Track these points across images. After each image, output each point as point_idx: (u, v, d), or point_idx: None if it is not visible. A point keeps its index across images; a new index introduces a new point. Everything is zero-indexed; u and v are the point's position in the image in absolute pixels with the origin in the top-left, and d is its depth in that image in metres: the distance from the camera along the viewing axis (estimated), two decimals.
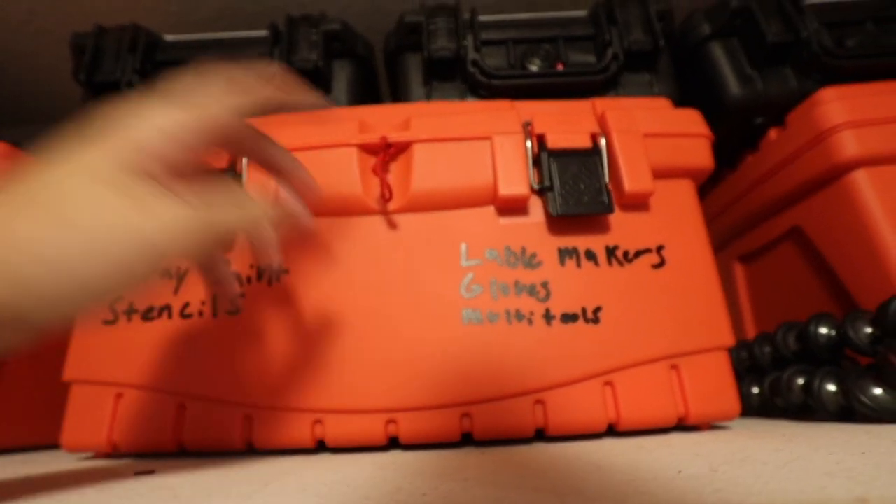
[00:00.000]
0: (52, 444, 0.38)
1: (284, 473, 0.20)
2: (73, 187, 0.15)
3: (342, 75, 0.38)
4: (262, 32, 0.38)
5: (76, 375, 0.28)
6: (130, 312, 0.29)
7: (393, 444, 0.26)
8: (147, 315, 0.29)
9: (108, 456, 0.28)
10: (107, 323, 0.29)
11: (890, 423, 0.24)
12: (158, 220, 0.16)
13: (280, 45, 0.36)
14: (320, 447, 0.26)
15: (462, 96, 0.36)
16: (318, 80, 0.36)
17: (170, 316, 0.28)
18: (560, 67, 0.36)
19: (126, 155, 0.16)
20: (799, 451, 0.18)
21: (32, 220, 0.15)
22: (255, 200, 0.19)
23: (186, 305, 0.28)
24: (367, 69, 0.40)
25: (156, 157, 0.16)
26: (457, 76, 0.36)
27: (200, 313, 0.28)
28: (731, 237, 0.45)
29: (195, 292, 0.28)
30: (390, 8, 0.51)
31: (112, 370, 0.28)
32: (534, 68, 0.36)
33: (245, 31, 0.50)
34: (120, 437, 0.27)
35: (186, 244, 0.16)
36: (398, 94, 0.38)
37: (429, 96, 0.36)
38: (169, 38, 0.39)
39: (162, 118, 0.17)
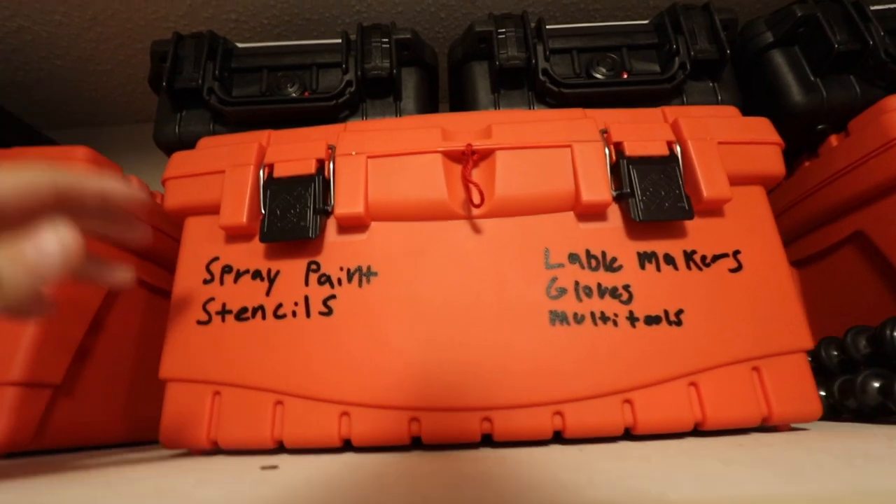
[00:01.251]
0: (128, 441, 0.40)
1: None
2: None
3: (410, 82, 0.39)
4: (335, 40, 0.39)
5: (172, 374, 0.30)
6: (224, 313, 0.30)
7: (485, 440, 0.27)
8: (241, 316, 0.30)
9: (203, 453, 0.29)
10: (201, 323, 0.30)
11: None
12: None
13: (352, 52, 0.38)
14: (415, 444, 0.27)
15: (529, 104, 0.37)
16: (391, 87, 0.38)
17: (264, 317, 0.29)
18: (625, 76, 0.37)
19: None
20: None
21: None
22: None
23: (280, 306, 0.30)
24: (432, 76, 0.41)
25: None
26: (525, 84, 0.37)
27: (294, 314, 0.29)
28: (785, 242, 0.45)
29: (288, 293, 0.30)
30: (442, 14, 0.52)
31: (209, 369, 0.29)
32: (599, 77, 0.37)
33: (308, 38, 0.51)
34: (218, 434, 0.28)
35: None
36: (464, 101, 0.39)
37: (497, 104, 0.37)
38: (242, 45, 0.40)
39: None
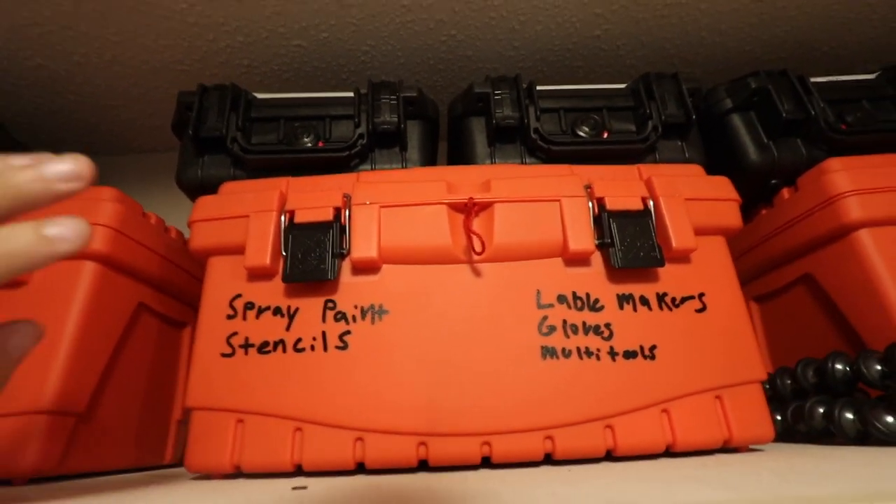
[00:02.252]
0: (139, 467, 0.42)
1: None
2: None
3: (414, 134, 0.43)
4: (347, 93, 0.43)
5: (198, 403, 0.32)
6: (247, 346, 0.33)
7: (484, 462, 0.30)
8: (263, 349, 0.33)
9: (226, 476, 0.32)
10: (225, 356, 0.33)
11: None
12: None
13: (363, 106, 0.42)
14: (421, 466, 0.30)
15: (522, 157, 0.42)
16: (397, 139, 0.42)
17: (284, 350, 0.33)
18: (606, 135, 0.42)
19: None
20: (839, 466, 0.23)
21: None
22: None
23: (299, 340, 0.33)
24: (434, 128, 0.45)
25: None
26: (517, 139, 0.42)
27: (312, 347, 0.32)
28: (747, 280, 0.50)
29: (306, 329, 0.33)
30: (440, 66, 0.57)
31: (232, 398, 0.32)
32: (583, 135, 0.42)
33: (315, 84, 0.56)
34: (241, 459, 0.31)
35: None
36: (463, 153, 0.44)
37: (492, 157, 0.42)
38: (260, 96, 0.44)
39: None
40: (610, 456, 0.31)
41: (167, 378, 0.47)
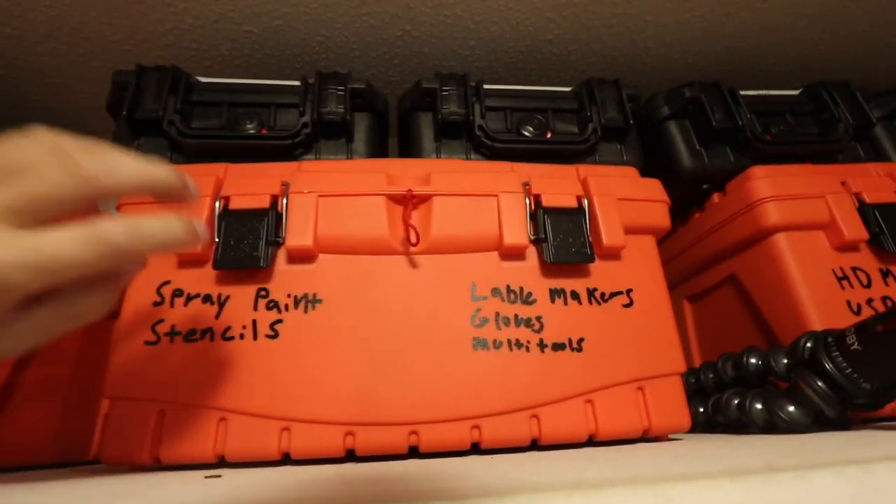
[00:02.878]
0: (58, 463, 0.40)
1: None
2: None
3: (362, 126, 0.43)
4: (294, 82, 0.42)
5: (118, 392, 0.31)
6: (173, 334, 0.32)
7: (412, 452, 0.30)
8: (189, 337, 0.32)
9: (143, 469, 0.31)
10: (149, 343, 0.32)
11: (801, 433, 0.31)
12: None
13: (310, 95, 0.41)
14: (349, 456, 0.30)
15: (467, 153, 0.42)
16: (343, 130, 0.42)
17: (212, 339, 0.32)
18: (549, 135, 0.43)
19: None
20: (735, 448, 0.24)
21: None
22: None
23: (228, 329, 0.32)
24: (382, 121, 0.45)
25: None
26: (463, 136, 0.43)
27: (241, 336, 0.32)
28: (681, 280, 0.53)
29: (237, 317, 0.32)
30: (395, 61, 0.57)
31: (155, 387, 0.31)
32: (527, 134, 0.43)
33: (266, 73, 0.55)
34: (160, 450, 0.30)
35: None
36: (410, 147, 0.44)
37: (438, 151, 0.42)
38: (203, 80, 0.43)
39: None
40: (535, 445, 0.31)
41: (94, 371, 0.45)
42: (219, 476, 0.24)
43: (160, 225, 0.20)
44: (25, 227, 0.18)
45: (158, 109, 0.39)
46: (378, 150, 0.44)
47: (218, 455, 0.30)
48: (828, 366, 0.29)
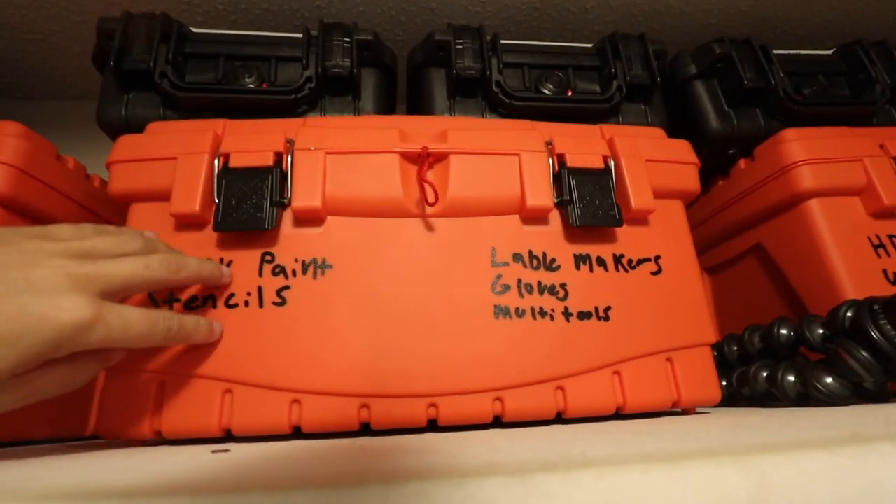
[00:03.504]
0: (55, 438, 0.38)
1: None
2: None
3: (369, 83, 0.40)
4: (296, 34, 0.39)
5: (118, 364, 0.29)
6: (171, 301, 0.30)
7: (430, 426, 0.29)
8: (190, 305, 0.30)
9: (144, 443, 0.29)
10: None
11: (840, 406, 0.29)
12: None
13: (313, 48, 0.38)
14: (364, 430, 0.28)
15: (482, 112, 0.40)
16: (350, 85, 0.39)
17: (214, 306, 0.30)
18: (569, 94, 0.40)
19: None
20: (784, 420, 0.23)
21: None
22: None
23: (231, 296, 0.30)
24: (391, 78, 0.42)
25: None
26: (479, 93, 0.40)
27: (246, 304, 0.30)
28: (700, 251, 0.51)
29: (240, 283, 0.30)
30: (402, 17, 0.54)
31: (153, 358, 0.29)
32: (547, 92, 0.40)
33: (264, 29, 0.51)
34: (162, 424, 0.28)
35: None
36: (421, 105, 0.41)
37: (452, 110, 0.39)
38: (198, 31, 0.40)
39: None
40: (560, 418, 0.30)
41: None
42: (227, 451, 0.22)
43: (203, 325, 0.27)
44: (107, 300, 0.22)
45: (149, 60, 0.36)
46: (387, 108, 0.41)
47: (224, 428, 0.28)
48: (874, 334, 0.27)
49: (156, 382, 0.28)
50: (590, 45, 0.43)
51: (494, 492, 0.10)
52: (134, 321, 0.22)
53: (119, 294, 0.23)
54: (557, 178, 0.33)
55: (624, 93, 0.40)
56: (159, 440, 0.29)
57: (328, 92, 0.39)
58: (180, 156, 0.31)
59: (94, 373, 0.24)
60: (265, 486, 0.13)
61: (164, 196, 0.31)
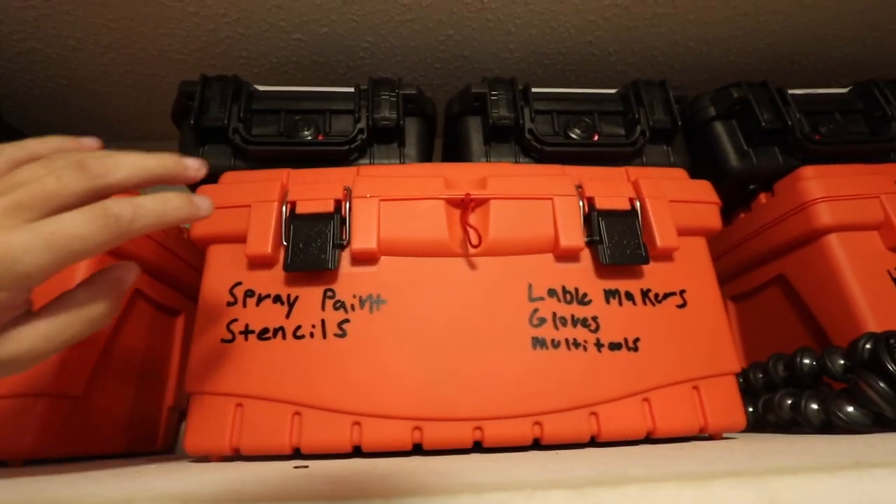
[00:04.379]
0: (129, 452, 0.43)
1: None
2: None
3: (413, 131, 0.44)
4: (348, 89, 0.44)
5: (197, 388, 0.33)
6: (247, 333, 0.34)
7: (476, 447, 0.32)
8: (262, 336, 0.34)
9: (224, 459, 0.33)
10: (225, 341, 0.34)
11: (862, 433, 0.31)
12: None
13: (364, 102, 0.43)
14: (415, 450, 0.32)
15: (516, 156, 0.43)
16: (396, 135, 0.43)
17: (284, 337, 0.33)
18: (596, 138, 0.44)
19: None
20: (805, 447, 0.25)
21: None
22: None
23: (299, 328, 0.34)
24: (431, 126, 0.47)
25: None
26: (512, 139, 0.44)
27: (311, 335, 0.33)
28: (725, 280, 0.53)
29: (306, 317, 0.34)
30: (437, 65, 0.58)
31: (232, 383, 0.33)
32: (575, 137, 0.43)
33: (313, 78, 0.56)
34: (240, 442, 0.31)
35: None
36: (459, 150, 0.45)
37: (488, 155, 0.43)
38: (262, 88, 0.45)
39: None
40: (594, 442, 0.32)
41: (159, 365, 0.47)
42: (307, 467, 0.26)
43: (160, 198, 0.22)
44: (36, 221, 0.19)
45: (224, 118, 0.41)
46: (427, 153, 0.45)
47: (294, 447, 0.31)
48: (890, 367, 0.29)
49: (233, 404, 0.32)
50: (614, 91, 0.47)
51: (560, 502, 0.13)
52: (69, 226, 0.19)
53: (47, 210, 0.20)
54: (588, 219, 0.36)
55: (647, 136, 0.43)
56: (236, 456, 0.32)
57: (376, 140, 0.43)
58: (254, 203, 0.36)
59: (113, 303, 0.22)
60: (348, 497, 0.16)
61: (239, 239, 0.35)
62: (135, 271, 0.24)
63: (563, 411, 0.32)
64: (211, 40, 0.54)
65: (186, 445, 0.32)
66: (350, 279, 0.35)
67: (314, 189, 0.36)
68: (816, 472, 0.15)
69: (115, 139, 0.71)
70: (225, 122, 0.41)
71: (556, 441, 0.32)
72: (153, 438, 0.46)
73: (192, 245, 0.38)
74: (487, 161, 0.43)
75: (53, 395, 0.34)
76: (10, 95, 0.61)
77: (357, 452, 0.32)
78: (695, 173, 0.41)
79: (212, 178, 0.39)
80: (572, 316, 0.35)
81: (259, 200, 0.36)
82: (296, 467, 0.26)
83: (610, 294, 0.36)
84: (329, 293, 0.34)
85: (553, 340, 0.34)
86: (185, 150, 0.43)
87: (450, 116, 0.47)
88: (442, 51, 0.57)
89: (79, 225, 0.19)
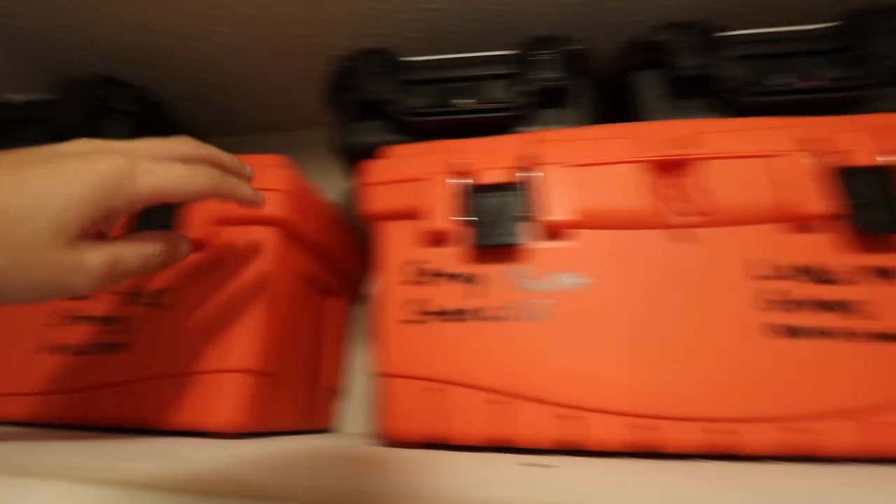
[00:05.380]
0: (306, 430, 0.43)
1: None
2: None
3: (581, 92, 0.39)
4: (502, 52, 0.40)
5: (394, 370, 0.31)
6: (439, 314, 0.31)
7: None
8: (456, 317, 0.31)
9: (420, 446, 0.30)
10: (413, 323, 0.31)
11: None
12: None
13: (526, 62, 0.39)
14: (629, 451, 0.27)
15: (706, 113, 0.37)
16: (561, 97, 0.38)
17: (478, 318, 0.30)
18: (815, 83, 0.36)
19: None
20: None
21: None
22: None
23: (493, 308, 0.30)
24: (597, 87, 0.41)
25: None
26: (701, 93, 0.37)
27: (508, 317, 0.30)
28: None
29: (499, 297, 0.30)
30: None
31: (426, 366, 0.30)
32: (785, 84, 0.36)
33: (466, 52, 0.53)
34: (439, 429, 0.29)
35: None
36: (633, 110, 0.39)
37: (671, 113, 0.37)
38: (412, 59, 0.42)
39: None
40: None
41: (317, 345, 0.48)
42: (557, 466, 0.23)
43: (247, 188, 0.29)
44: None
45: (380, 91, 0.39)
46: (598, 117, 0.40)
47: (494, 438, 0.28)
48: None
49: (428, 389, 0.30)
50: (825, 26, 0.38)
51: None
52: (175, 168, 0.24)
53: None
54: (834, 179, 0.29)
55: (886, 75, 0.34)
56: (433, 444, 0.30)
57: (541, 105, 0.39)
58: (429, 177, 0.33)
59: (168, 251, 0.26)
60: None
61: (412, 214, 0.33)
62: (187, 242, 0.28)
63: (819, 417, 0.26)
64: (354, 32, 0.52)
65: (384, 429, 0.30)
66: (540, 255, 0.31)
67: (493, 158, 0.33)
68: None
69: (255, 131, 0.73)
70: (382, 95, 0.39)
71: (815, 452, 0.26)
72: (311, 417, 0.47)
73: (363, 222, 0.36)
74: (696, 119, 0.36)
75: (257, 372, 0.34)
76: (176, 93, 0.64)
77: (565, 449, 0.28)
78: None
79: (368, 155, 0.37)
80: (820, 299, 0.28)
81: (434, 173, 0.33)
82: (540, 466, 0.23)
83: (869, 271, 0.28)
84: (522, 271, 0.31)
85: (798, 329, 0.27)
86: (345, 127, 0.41)
87: (620, 70, 0.41)
88: (588, 4, 0.50)
89: (189, 170, 0.25)
